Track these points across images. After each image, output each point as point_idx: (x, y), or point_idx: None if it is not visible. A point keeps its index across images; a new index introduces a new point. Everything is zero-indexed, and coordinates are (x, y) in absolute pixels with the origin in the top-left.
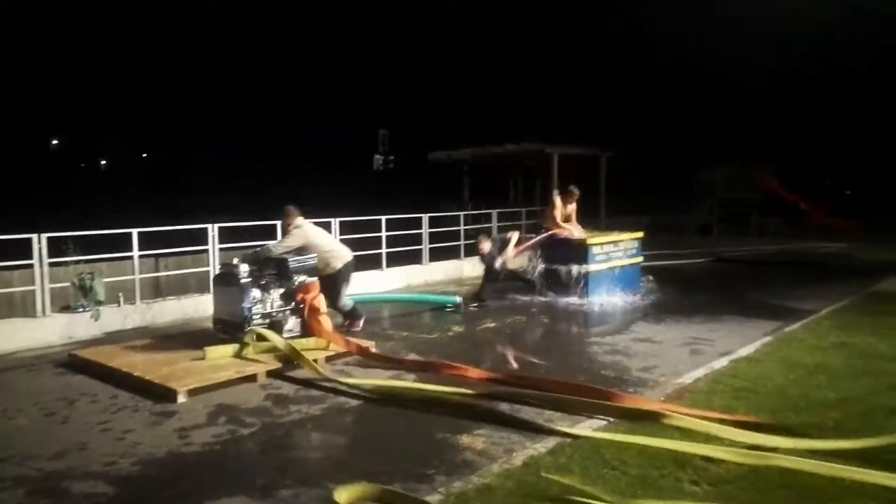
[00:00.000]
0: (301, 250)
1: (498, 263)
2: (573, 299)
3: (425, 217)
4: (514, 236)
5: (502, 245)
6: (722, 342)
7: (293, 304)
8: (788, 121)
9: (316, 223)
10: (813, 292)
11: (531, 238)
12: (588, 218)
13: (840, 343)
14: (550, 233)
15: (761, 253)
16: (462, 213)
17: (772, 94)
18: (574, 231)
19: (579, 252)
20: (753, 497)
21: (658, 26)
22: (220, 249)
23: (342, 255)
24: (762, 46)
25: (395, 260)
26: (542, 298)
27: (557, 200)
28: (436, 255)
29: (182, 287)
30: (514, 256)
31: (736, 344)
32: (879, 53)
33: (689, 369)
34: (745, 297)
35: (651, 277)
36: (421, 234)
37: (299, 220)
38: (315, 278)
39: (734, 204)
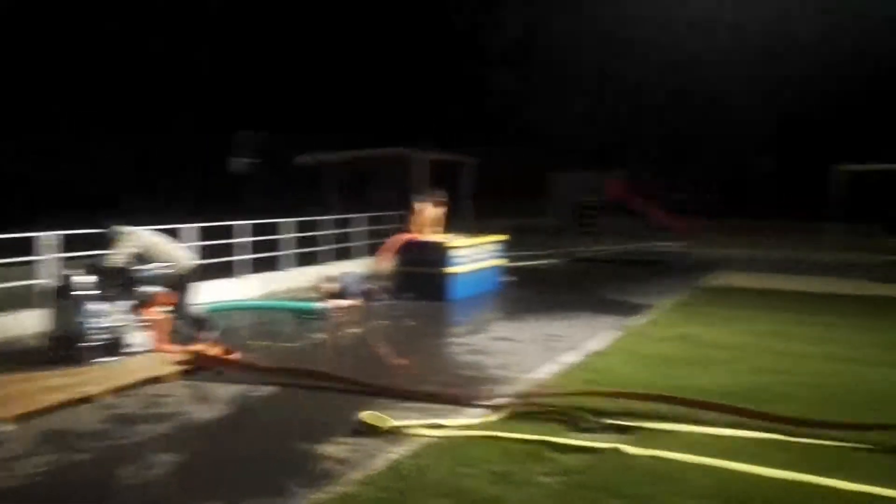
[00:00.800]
0: (142, 259)
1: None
2: (435, 301)
3: (287, 221)
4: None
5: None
6: (575, 338)
7: (140, 317)
8: (639, 128)
9: (165, 230)
10: (654, 288)
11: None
12: (457, 222)
13: (677, 334)
14: (396, 237)
15: (610, 252)
16: (326, 218)
17: (625, 103)
18: (430, 235)
19: (439, 255)
20: (600, 482)
21: (537, 36)
22: (59, 259)
23: (182, 260)
24: (619, 57)
25: (258, 266)
26: (405, 301)
27: (420, 205)
28: (302, 261)
29: (4, 302)
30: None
31: (587, 339)
32: (728, 65)
33: (543, 364)
34: (596, 293)
35: (511, 277)
36: (283, 239)
37: (125, 228)
38: (164, 288)
39: (585, 206)
